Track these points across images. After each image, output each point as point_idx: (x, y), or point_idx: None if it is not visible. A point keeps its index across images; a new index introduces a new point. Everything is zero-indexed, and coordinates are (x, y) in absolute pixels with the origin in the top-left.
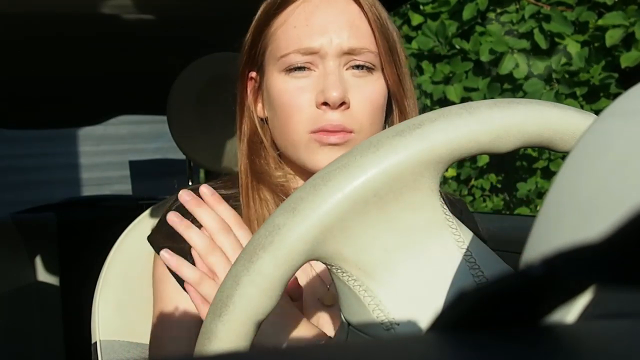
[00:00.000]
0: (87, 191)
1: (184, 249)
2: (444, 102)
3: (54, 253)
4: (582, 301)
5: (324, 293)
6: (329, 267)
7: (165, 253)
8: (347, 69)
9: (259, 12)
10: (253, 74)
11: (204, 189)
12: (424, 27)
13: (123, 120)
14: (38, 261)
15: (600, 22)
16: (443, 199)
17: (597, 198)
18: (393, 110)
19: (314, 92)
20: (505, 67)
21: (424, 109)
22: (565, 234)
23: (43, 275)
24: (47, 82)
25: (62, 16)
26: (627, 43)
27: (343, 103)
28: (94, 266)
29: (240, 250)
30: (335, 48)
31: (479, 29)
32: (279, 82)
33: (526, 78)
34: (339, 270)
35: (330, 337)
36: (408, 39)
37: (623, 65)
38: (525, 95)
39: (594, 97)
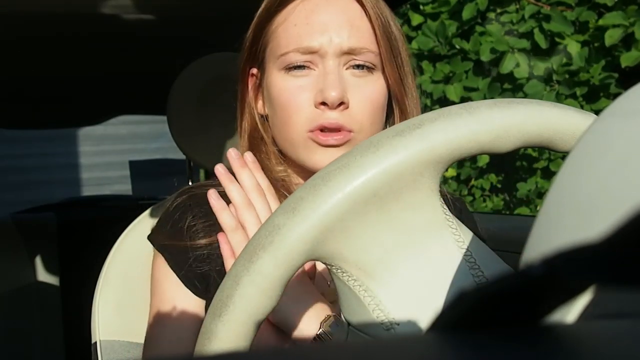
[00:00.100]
0: (87, 191)
1: (185, 247)
2: (444, 101)
3: (54, 253)
4: (582, 301)
5: (325, 289)
6: (329, 267)
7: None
8: (346, 69)
9: (260, 9)
10: (254, 71)
11: (248, 156)
12: (424, 27)
13: (123, 120)
14: (38, 261)
15: (600, 22)
16: (443, 198)
17: (597, 198)
18: (394, 110)
19: (313, 91)
20: (506, 66)
21: (424, 109)
22: (565, 234)
23: (43, 275)
24: (47, 82)
25: (62, 16)
26: (627, 43)
27: (342, 103)
28: (94, 266)
29: (269, 214)
30: (335, 47)
31: (479, 29)
32: (279, 81)
33: (527, 79)
34: (339, 270)
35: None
36: (408, 39)
37: (623, 65)
38: (525, 96)
39: (594, 97)
